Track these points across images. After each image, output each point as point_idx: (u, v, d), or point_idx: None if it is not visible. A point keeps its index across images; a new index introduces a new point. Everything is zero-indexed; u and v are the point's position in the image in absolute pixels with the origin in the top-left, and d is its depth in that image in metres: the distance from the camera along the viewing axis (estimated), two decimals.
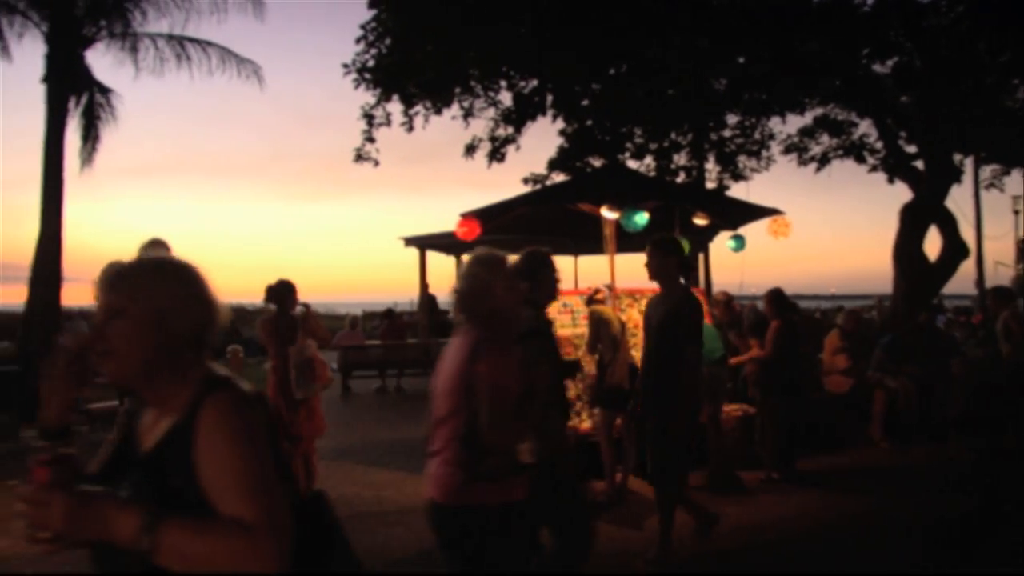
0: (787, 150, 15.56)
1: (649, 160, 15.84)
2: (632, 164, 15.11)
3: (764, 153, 16.11)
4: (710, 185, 15.80)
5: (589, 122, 14.83)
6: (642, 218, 7.25)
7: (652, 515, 6.11)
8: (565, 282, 6.55)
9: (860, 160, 14.68)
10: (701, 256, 14.63)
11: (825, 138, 15.10)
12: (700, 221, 8.33)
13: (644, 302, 7.89)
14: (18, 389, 12.01)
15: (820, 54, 12.00)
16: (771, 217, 8.33)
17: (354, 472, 7.64)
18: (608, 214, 7.38)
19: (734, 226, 8.86)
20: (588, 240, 11.16)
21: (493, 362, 2.62)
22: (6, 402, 11.94)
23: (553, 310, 7.60)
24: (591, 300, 6.99)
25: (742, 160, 16.10)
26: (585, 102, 14.16)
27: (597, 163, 15.16)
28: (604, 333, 6.61)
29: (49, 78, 12.53)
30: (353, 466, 7.90)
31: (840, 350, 8.90)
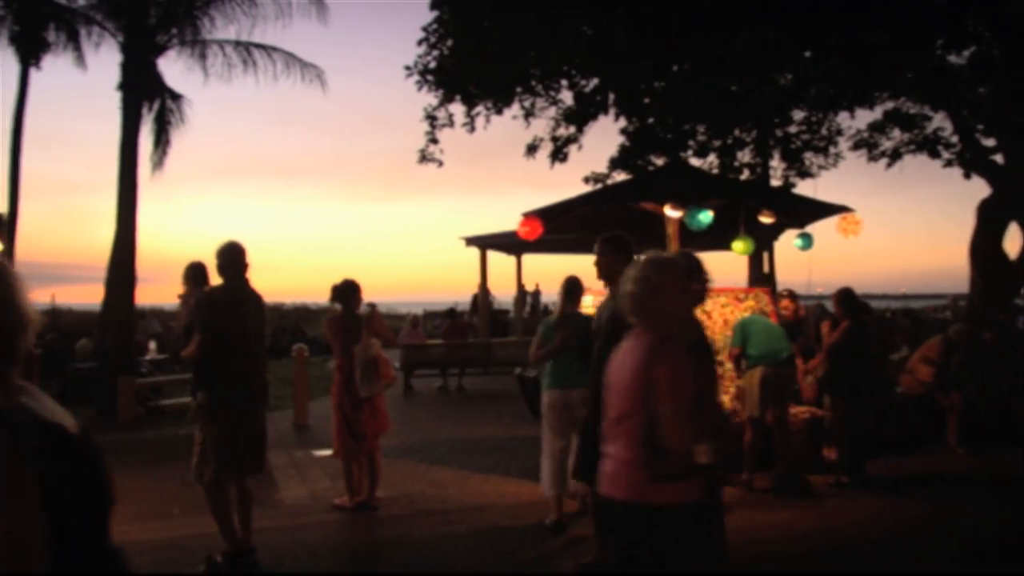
0: (856, 146, 15.15)
1: (712, 158, 15.63)
2: (695, 162, 14.92)
3: (832, 149, 15.72)
4: (775, 183, 15.49)
5: (651, 120, 14.69)
6: (706, 216, 7.16)
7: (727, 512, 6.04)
8: None
9: (934, 155, 14.20)
10: (765, 255, 14.36)
11: (896, 133, 14.66)
12: (766, 219, 8.18)
13: (708, 302, 7.83)
14: (96, 385, 12.51)
15: (891, 46, 11.65)
16: (840, 215, 8.13)
17: (417, 470, 7.73)
18: (671, 213, 7.31)
19: (801, 224, 8.67)
20: (650, 239, 11.05)
21: (672, 364, 2.66)
22: (86, 397, 12.45)
23: None
24: None
25: (808, 157, 15.74)
26: (647, 100, 14.04)
27: (659, 161, 15.02)
28: None
29: (124, 86, 12.96)
30: (416, 464, 7.99)
31: (932, 363, 8.47)
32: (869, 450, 7.15)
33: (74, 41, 15.19)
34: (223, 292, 5.13)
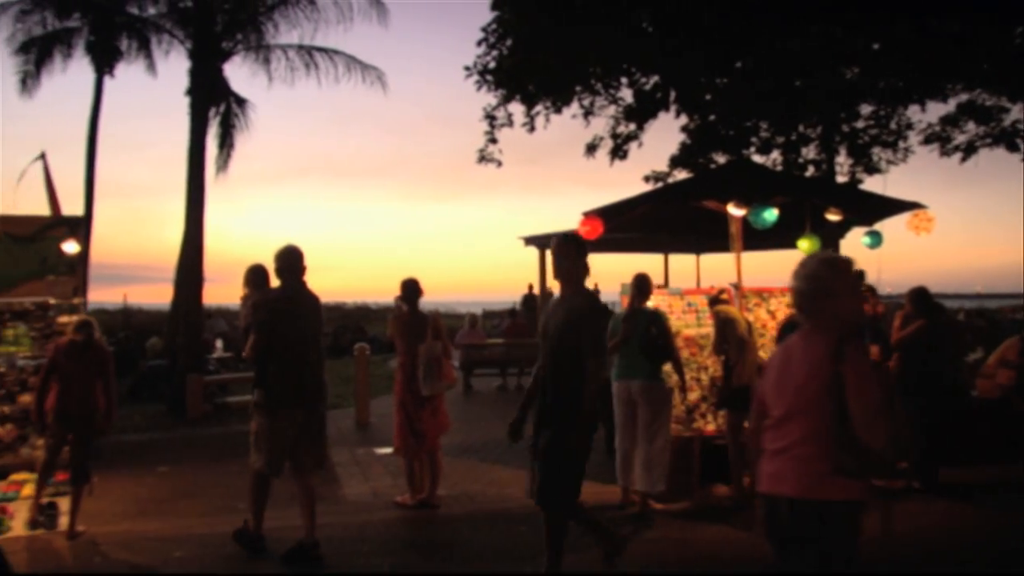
0: (927, 140, 14.63)
1: (776, 155, 15.29)
2: (758, 159, 14.62)
3: (901, 144, 15.20)
4: (841, 179, 15.07)
5: (712, 117, 14.45)
6: (771, 215, 7.01)
7: None
8: (687, 280, 6.44)
9: (1012, 148, 13.63)
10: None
11: (971, 126, 14.10)
12: (833, 217, 7.96)
13: (772, 301, 7.70)
14: (166, 382, 12.88)
15: (964, 35, 11.22)
16: (911, 212, 7.87)
17: (477, 469, 7.75)
18: (735, 211, 7.17)
19: (870, 222, 8.41)
20: (711, 238, 10.89)
21: (859, 363, 2.71)
22: (156, 394, 12.83)
23: (678, 309, 7.52)
24: (716, 300, 6.82)
25: (877, 152, 15.26)
26: (708, 96, 13.81)
27: (721, 159, 14.77)
28: (730, 333, 6.43)
29: (192, 91, 13.33)
30: (476, 463, 8.01)
31: (1010, 366, 8.11)
32: (943, 456, 6.89)
33: (145, 49, 15.71)
34: (278, 294, 5.33)
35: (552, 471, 4.35)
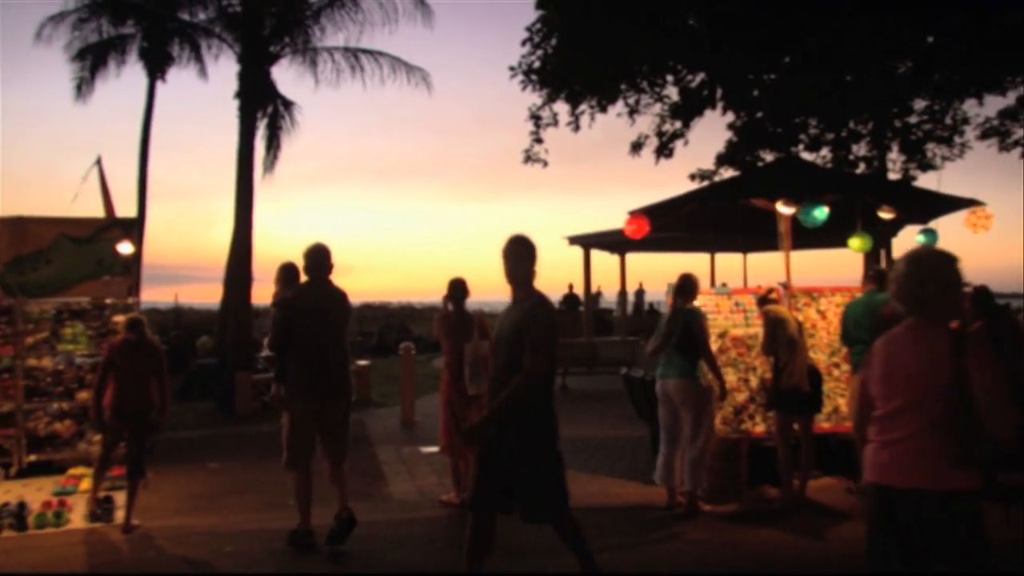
0: (985, 135, 14.22)
1: (825, 152, 15.00)
2: (806, 156, 14.37)
3: (957, 139, 14.80)
4: (894, 176, 14.74)
5: (759, 114, 14.24)
6: (822, 213, 6.88)
7: (834, 524, 5.80)
8: (734, 280, 6.35)
9: None
10: (883, 252, 13.68)
11: None
12: (885, 215, 7.79)
13: (823, 301, 7.55)
14: (216, 380, 13.12)
15: None
16: (969, 209, 7.65)
17: None
18: (784, 209, 7.06)
19: (924, 220, 8.21)
20: (759, 237, 10.73)
21: (984, 354, 2.76)
22: (207, 391, 13.08)
23: (725, 309, 7.43)
24: (764, 300, 6.71)
25: (931, 148, 14.88)
26: (755, 92, 13.61)
27: (768, 157, 14.55)
28: (780, 334, 6.33)
29: (241, 94, 13.57)
30: None
31: None
32: (1003, 461, 6.68)
33: (196, 54, 16.04)
34: (299, 292, 5.48)
35: (539, 485, 4.13)
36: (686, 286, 6.25)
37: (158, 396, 6.12)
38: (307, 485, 5.42)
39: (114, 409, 6.03)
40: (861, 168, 14.82)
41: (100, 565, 5.26)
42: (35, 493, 6.84)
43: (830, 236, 8.37)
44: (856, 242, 7.89)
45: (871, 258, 13.39)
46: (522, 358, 3.99)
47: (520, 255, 4.19)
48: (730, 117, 14.69)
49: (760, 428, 7.02)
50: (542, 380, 4.07)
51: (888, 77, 12.67)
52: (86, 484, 6.79)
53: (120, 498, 6.18)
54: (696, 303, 6.36)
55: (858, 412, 3.10)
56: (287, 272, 5.92)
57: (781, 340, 6.33)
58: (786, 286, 7.41)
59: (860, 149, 15.13)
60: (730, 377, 7.16)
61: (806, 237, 8.03)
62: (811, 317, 7.44)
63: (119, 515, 6.02)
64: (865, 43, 11.32)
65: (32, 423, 7.90)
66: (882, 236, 10.81)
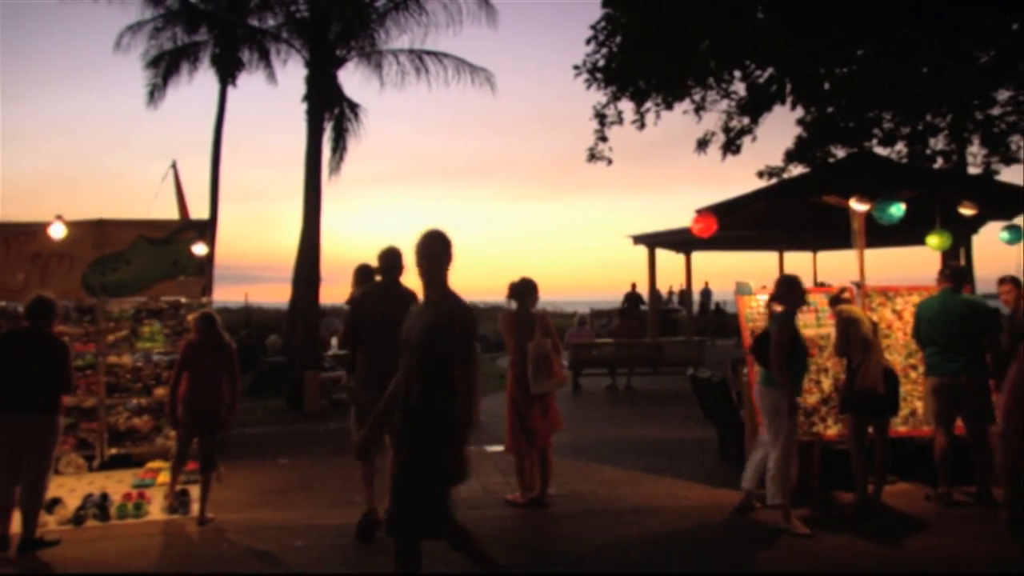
0: None
1: (900, 146, 14.51)
2: (880, 152, 13.93)
3: None
4: (974, 170, 14.17)
5: (830, 109, 13.85)
6: (898, 209, 6.65)
7: (911, 532, 5.61)
8: (804, 279, 6.19)
9: None
10: (962, 250, 13.17)
11: None
12: (966, 211, 7.49)
13: (899, 301, 7.31)
14: (284, 378, 13.42)
15: None
16: None
17: (587, 469, 7.70)
18: (858, 206, 6.85)
19: (1008, 215, 7.87)
20: (829, 234, 10.45)
21: None
22: (276, 389, 13.38)
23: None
24: (837, 299, 6.52)
25: (1015, 140, 14.24)
26: (827, 86, 13.24)
27: (840, 153, 14.15)
28: (854, 334, 6.14)
29: (309, 97, 13.84)
30: (587, 463, 7.96)
31: None
32: None
33: (265, 59, 16.46)
34: (367, 292, 5.92)
35: (412, 491, 3.85)
36: (776, 289, 6.06)
37: (228, 394, 6.29)
38: (370, 475, 5.66)
39: (187, 405, 6.22)
40: (939, 163, 14.30)
41: (178, 556, 5.42)
42: (116, 485, 7.10)
43: (905, 234, 8.11)
44: (935, 240, 7.62)
45: (950, 256, 12.92)
46: (438, 361, 3.84)
47: (437, 253, 3.98)
48: (799, 112, 14.35)
49: (832, 431, 6.82)
50: (449, 388, 3.83)
51: (968, 67, 12.16)
52: (164, 477, 7.02)
53: (195, 491, 6.36)
54: (780, 307, 6.17)
55: (1005, 419, 2.92)
56: (362, 273, 6.25)
57: (854, 341, 6.15)
58: (859, 285, 7.20)
59: (938, 143, 14.60)
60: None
61: (880, 235, 7.79)
62: (886, 317, 7.20)
63: (194, 508, 6.21)
64: (943, 33, 10.89)
65: (113, 418, 8.20)
66: (962, 233, 10.40)
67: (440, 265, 3.98)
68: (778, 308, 5.95)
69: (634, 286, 21.17)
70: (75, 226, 8.26)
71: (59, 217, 8.14)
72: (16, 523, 5.45)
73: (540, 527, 6.02)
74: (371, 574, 4.99)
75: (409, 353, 4.01)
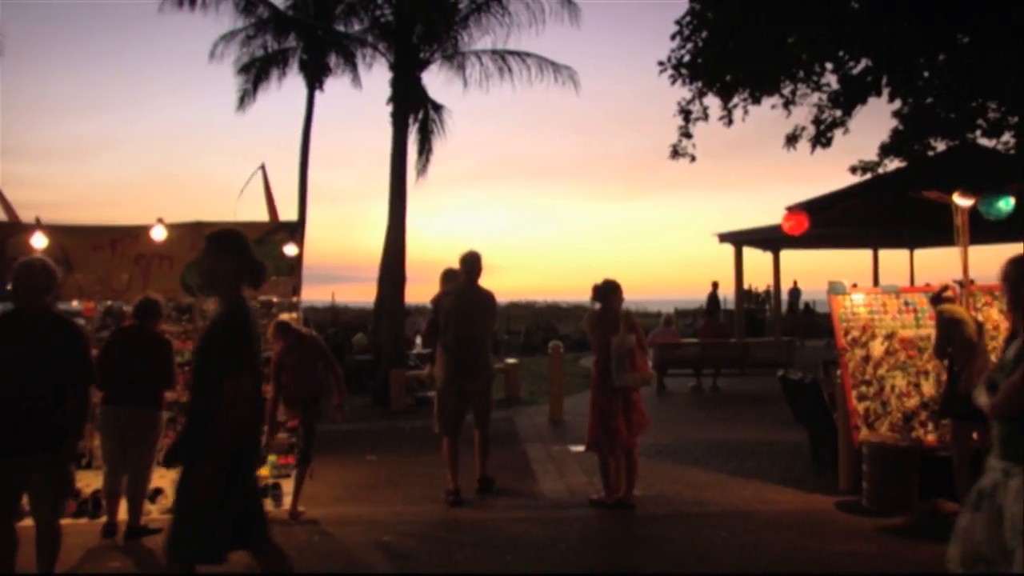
0: None
1: (1008, 137, 13.72)
2: (984, 143, 13.23)
3: None
4: None
5: (929, 99, 13.22)
6: (1007, 204, 6.31)
7: None
8: (901, 277, 5.94)
9: None
10: None
11: None
12: None
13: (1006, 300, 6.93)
14: (371, 376, 13.67)
15: None
16: None
17: (674, 471, 7.58)
18: (962, 201, 6.53)
19: None
20: (928, 231, 10.01)
21: None
22: (362, 387, 13.65)
23: (893, 308, 6.97)
24: (939, 298, 6.24)
25: None
26: (926, 74, 12.64)
27: (939, 145, 13.50)
28: (957, 335, 5.86)
29: (394, 100, 14.07)
30: (672, 465, 7.84)
31: None
32: None
33: (351, 63, 16.81)
34: (450, 291, 6.78)
35: (176, 515, 3.52)
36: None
37: (332, 381, 6.47)
38: (454, 451, 6.58)
39: (287, 402, 6.43)
40: None
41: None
42: None
43: (1012, 229, 7.69)
44: None
45: None
46: (203, 369, 3.53)
47: (209, 251, 3.65)
48: (894, 104, 13.75)
49: (932, 436, 6.53)
50: (238, 400, 3.39)
51: None
52: (264, 471, 7.24)
53: (287, 485, 6.54)
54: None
55: None
56: (447, 276, 7.05)
57: (958, 342, 5.87)
58: (963, 284, 6.86)
59: None
60: (899, 381, 6.73)
61: (984, 230, 7.40)
62: (993, 318, 6.85)
63: (287, 501, 6.38)
64: None
65: None
66: None
67: (222, 264, 3.58)
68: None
69: (715, 285, 20.67)
70: (174, 228, 8.59)
71: (160, 220, 8.49)
72: (122, 511, 5.72)
73: (626, 528, 5.95)
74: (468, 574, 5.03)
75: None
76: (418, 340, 16.39)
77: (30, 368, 4.11)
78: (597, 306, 6.48)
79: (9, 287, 4.27)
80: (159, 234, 8.45)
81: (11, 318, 4.30)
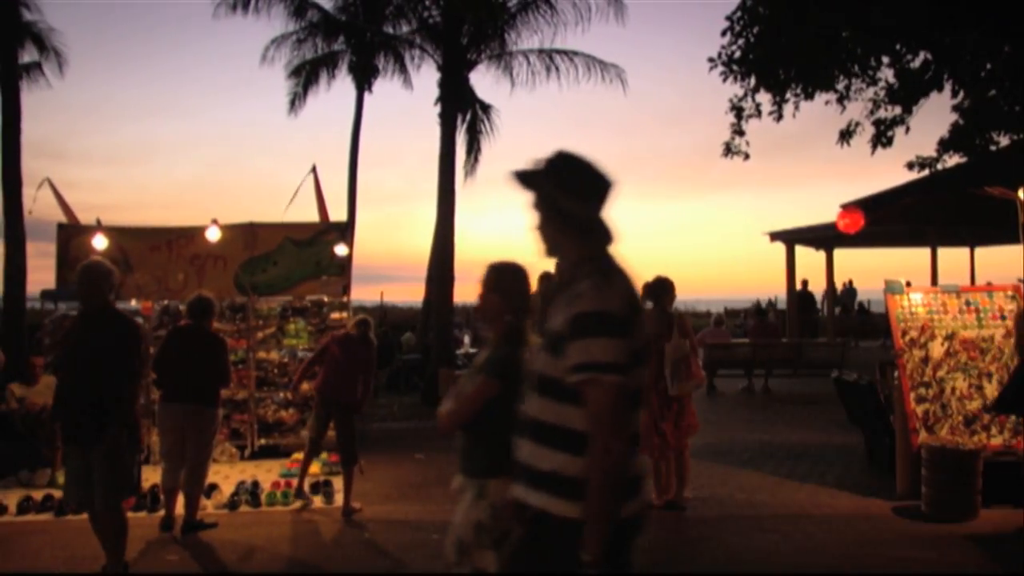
0: None
1: None
2: None
3: None
4: None
5: (993, 92, 12.80)
6: None
7: None
8: (960, 276, 5.77)
9: None
10: None
11: None
12: None
13: None
14: (419, 374, 13.76)
15: None
16: None
17: (724, 473, 7.47)
18: None
19: None
20: (989, 228, 9.71)
21: None
22: (411, 385, 13.76)
23: (954, 308, 6.78)
24: None
25: None
26: (989, 66, 12.23)
27: (1003, 140, 13.06)
28: None
29: (442, 100, 14.13)
30: (723, 467, 7.73)
31: None
32: None
33: (400, 65, 16.95)
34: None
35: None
36: None
37: (362, 390, 6.52)
38: None
39: (319, 392, 6.53)
40: None
41: (322, 544, 5.66)
42: (265, 474, 7.49)
43: None
44: None
45: None
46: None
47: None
48: (951, 99, 13.33)
49: (996, 440, 6.33)
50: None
51: None
52: (314, 468, 7.35)
53: (338, 483, 6.61)
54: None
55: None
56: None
57: None
58: None
59: None
60: (960, 384, 6.54)
61: None
62: None
63: (338, 499, 6.45)
64: None
65: (262, 410, 8.67)
66: None
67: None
68: None
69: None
70: (228, 229, 8.77)
71: (215, 221, 8.67)
72: (179, 505, 5.85)
73: (676, 530, 5.88)
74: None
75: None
76: (466, 340, 16.46)
77: (90, 364, 4.39)
78: (649, 305, 6.40)
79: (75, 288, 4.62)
80: (214, 235, 8.64)
81: (81, 318, 4.71)
